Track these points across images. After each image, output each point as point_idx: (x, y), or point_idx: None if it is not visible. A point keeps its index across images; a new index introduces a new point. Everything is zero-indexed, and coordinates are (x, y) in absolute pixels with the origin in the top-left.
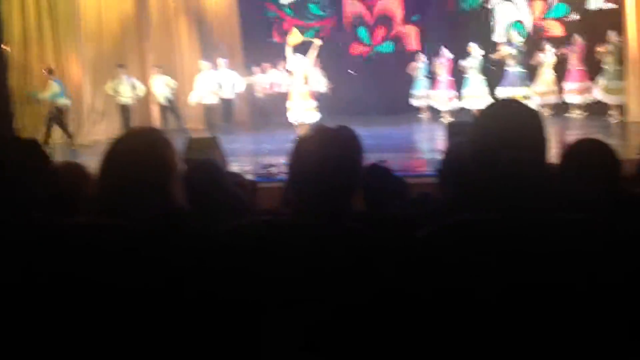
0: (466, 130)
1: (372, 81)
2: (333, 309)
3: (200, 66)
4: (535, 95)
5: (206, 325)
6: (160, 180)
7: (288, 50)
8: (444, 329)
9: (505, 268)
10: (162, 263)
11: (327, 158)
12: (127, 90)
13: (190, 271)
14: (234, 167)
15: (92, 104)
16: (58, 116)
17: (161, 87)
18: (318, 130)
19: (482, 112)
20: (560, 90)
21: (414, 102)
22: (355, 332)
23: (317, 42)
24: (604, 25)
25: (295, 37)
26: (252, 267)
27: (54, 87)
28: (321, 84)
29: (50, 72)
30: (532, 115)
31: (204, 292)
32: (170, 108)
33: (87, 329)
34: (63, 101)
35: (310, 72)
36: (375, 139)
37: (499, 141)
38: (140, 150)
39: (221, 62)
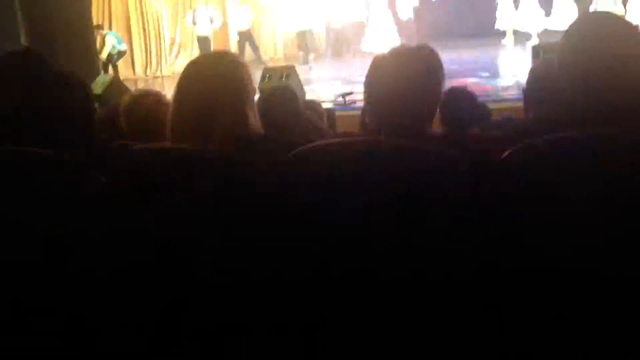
0: (553, 50)
1: (455, 3)
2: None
3: None
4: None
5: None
6: (236, 105)
7: None
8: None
9: (597, 190)
10: (241, 187)
11: (405, 78)
12: (204, 21)
13: (272, 196)
14: (312, 96)
15: (172, 36)
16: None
17: (239, 17)
18: (396, 50)
19: (572, 26)
20: None
21: (499, 25)
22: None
23: None
24: None
25: None
26: (330, 189)
27: (110, 39)
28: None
29: (98, 27)
30: (628, 28)
31: (287, 216)
32: (248, 38)
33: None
34: (123, 47)
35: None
36: (460, 64)
37: (590, 56)
38: (216, 74)
39: None
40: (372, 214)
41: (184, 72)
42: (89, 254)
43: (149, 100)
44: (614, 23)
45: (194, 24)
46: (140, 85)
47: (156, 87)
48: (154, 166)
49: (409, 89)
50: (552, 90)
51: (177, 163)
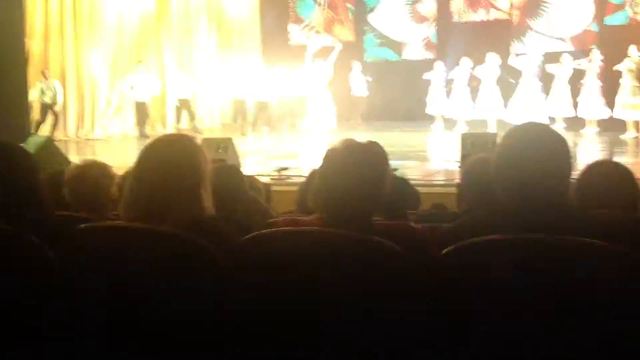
0: (482, 142)
1: (387, 87)
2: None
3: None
4: (549, 107)
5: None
6: (191, 186)
7: (307, 56)
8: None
9: (521, 290)
10: (191, 269)
11: (355, 171)
12: (143, 87)
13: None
14: (248, 168)
15: (109, 99)
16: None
17: (179, 85)
18: (348, 144)
19: (511, 133)
20: (575, 105)
21: (430, 110)
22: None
23: (338, 46)
24: (624, 40)
25: (314, 43)
26: (279, 276)
27: (59, 87)
28: (362, 88)
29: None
30: (559, 141)
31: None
32: (186, 107)
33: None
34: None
35: (329, 77)
36: (389, 147)
37: (524, 162)
38: (172, 156)
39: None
40: (323, 299)
41: (141, 152)
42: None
43: (95, 172)
44: (543, 134)
45: (132, 88)
46: (71, 147)
47: (87, 150)
48: (111, 245)
49: (358, 181)
50: (486, 190)
51: (131, 242)
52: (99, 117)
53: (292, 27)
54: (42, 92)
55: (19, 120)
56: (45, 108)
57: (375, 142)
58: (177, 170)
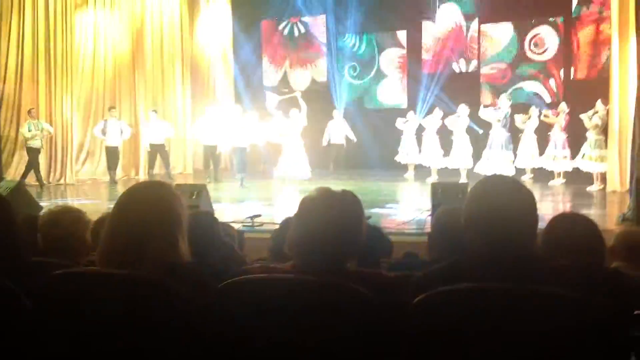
0: (452, 192)
1: (359, 135)
2: None
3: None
4: (517, 158)
5: None
6: (167, 232)
7: (275, 112)
8: None
9: (489, 339)
10: (168, 315)
11: (331, 220)
12: (114, 132)
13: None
14: (220, 215)
15: (81, 143)
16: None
17: (153, 130)
18: (323, 193)
19: (479, 185)
20: (541, 155)
21: (400, 158)
22: None
23: (297, 93)
24: (591, 93)
25: (272, 99)
26: (256, 322)
27: (47, 127)
28: (340, 136)
29: (30, 112)
30: (526, 194)
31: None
32: (160, 152)
33: None
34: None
35: (302, 126)
36: (362, 195)
37: (493, 214)
38: (149, 203)
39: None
40: (298, 345)
41: (119, 198)
42: None
43: (69, 218)
44: (511, 187)
45: (104, 134)
46: (42, 192)
47: (58, 195)
48: (87, 291)
49: (334, 229)
50: (455, 239)
51: (107, 288)
52: (71, 161)
53: (266, 71)
54: (30, 133)
55: None
56: (34, 152)
57: (349, 191)
58: (154, 216)
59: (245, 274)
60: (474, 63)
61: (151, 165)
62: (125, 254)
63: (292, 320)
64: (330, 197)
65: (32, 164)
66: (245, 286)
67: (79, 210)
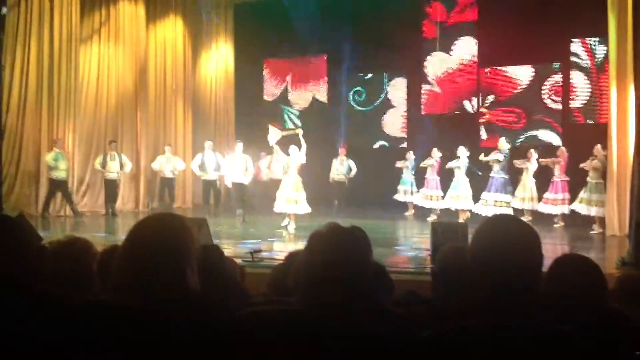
0: (453, 232)
1: (358, 174)
2: None
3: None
4: (516, 200)
5: None
6: (177, 265)
7: (275, 148)
8: None
9: None
10: (175, 347)
11: (339, 256)
12: (115, 166)
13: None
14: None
15: (81, 176)
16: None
17: (168, 164)
18: (332, 229)
19: (486, 225)
20: (540, 199)
21: (399, 197)
22: None
23: (299, 131)
24: (590, 138)
25: (274, 135)
26: (264, 355)
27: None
28: (340, 173)
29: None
30: (532, 234)
31: None
32: (169, 186)
33: None
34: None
35: (300, 163)
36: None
37: (499, 253)
38: (160, 236)
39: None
40: None
41: (130, 231)
42: None
43: (77, 248)
44: (517, 226)
45: (104, 167)
46: (42, 223)
47: (57, 227)
48: (94, 322)
49: (342, 265)
50: (460, 277)
51: (117, 319)
52: (72, 193)
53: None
54: (55, 163)
55: None
56: (55, 183)
57: (358, 227)
58: (165, 248)
59: (251, 307)
60: (474, 106)
61: (161, 197)
62: (135, 285)
63: (300, 355)
64: (339, 232)
65: (52, 195)
66: (254, 318)
67: (87, 241)
